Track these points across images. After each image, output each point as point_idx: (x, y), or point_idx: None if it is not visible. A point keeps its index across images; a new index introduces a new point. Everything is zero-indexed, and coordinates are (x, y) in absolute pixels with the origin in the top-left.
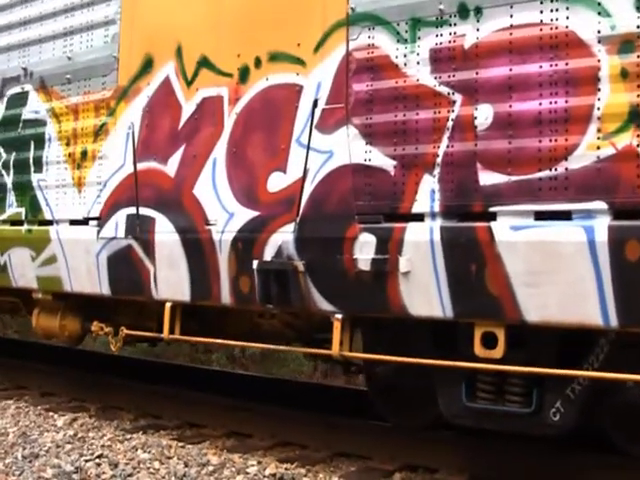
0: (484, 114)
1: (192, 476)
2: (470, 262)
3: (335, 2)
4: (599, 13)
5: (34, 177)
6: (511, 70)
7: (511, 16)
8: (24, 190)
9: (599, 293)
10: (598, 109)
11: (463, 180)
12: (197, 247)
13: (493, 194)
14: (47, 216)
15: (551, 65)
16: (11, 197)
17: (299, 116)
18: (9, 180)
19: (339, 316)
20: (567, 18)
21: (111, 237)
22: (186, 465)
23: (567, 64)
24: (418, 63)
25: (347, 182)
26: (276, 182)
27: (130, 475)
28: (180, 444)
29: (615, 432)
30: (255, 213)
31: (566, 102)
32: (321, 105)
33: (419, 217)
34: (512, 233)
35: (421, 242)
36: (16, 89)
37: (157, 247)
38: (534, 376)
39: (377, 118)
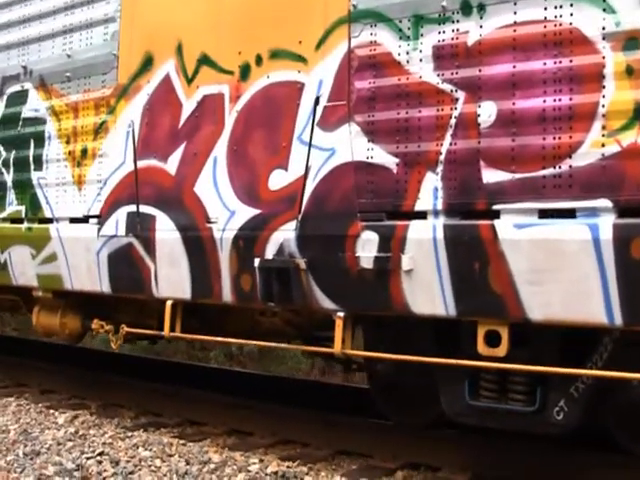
0: (487, 111)
1: (194, 474)
2: (473, 260)
3: None
4: (604, 10)
5: (34, 175)
6: (515, 67)
7: (515, 13)
8: (24, 188)
9: (604, 291)
10: (603, 106)
11: (466, 178)
12: (198, 245)
13: (496, 192)
14: (47, 214)
15: (555, 62)
16: (11, 195)
17: (301, 114)
18: (9, 178)
19: (341, 314)
20: (571, 15)
21: (111, 235)
22: (187, 463)
23: (571, 61)
24: (421, 60)
25: (349, 180)
26: (277, 180)
27: (131, 473)
28: (181, 442)
29: (619, 431)
30: (256, 211)
31: (570, 99)
32: (323, 102)
33: (422, 215)
34: (516, 231)
35: (424, 240)
36: (16, 87)
37: (158, 245)
38: (537, 374)
39: (379, 115)
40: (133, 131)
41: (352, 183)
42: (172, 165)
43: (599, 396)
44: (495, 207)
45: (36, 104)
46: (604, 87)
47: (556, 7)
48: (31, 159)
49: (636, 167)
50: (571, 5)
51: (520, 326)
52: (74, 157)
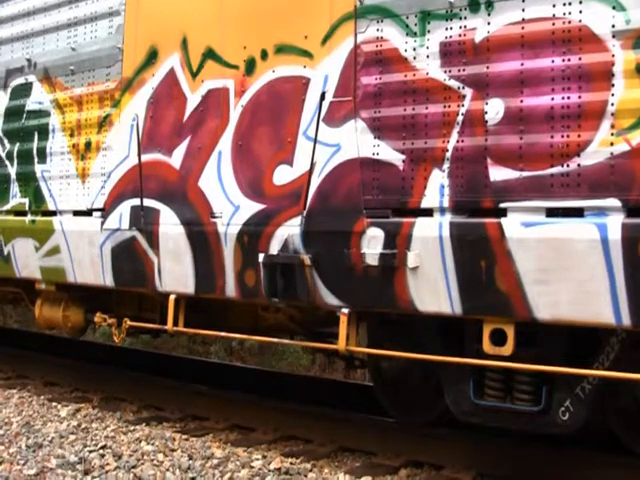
0: (495, 109)
1: (197, 469)
2: (480, 258)
3: None
4: (613, 7)
5: (38, 168)
6: (523, 65)
7: (523, 10)
8: (28, 181)
9: (612, 292)
10: (612, 105)
11: (473, 175)
12: (202, 239)
13: (504, 190)
14: (51, 207)
15: (564, 60)
16: (15, 188)
17: (306, 109)
18: (13, 171)
19: (345, 311)
20: (580, 12)
21: (115, 228)
22: (190, 458)
23: (580, 59)
24: (428, 57)
25: (355, 176)
26: (282, 175)
27: (134, 467)
28: (184, 437)
29: (624, 432)
30: (261, 206)
31: (579, 97)
32: (329, 98)
33: (428, 212)
34: (523, 229)
35: (430, 237)
36: (20, 80)
37: (161, 239)
38: (543, 374)
39: (386, 112)
40: (137, 125)
41: (358, 179)
42: (176, 159)
43: (605, 397)
44: (502, 205)
45: (40, 97)
46: (613, 85)
47: (565, 4)
48: (35, 152)
49: None
50: (580, 2)
51: (526, 325)
52: (78, 150)
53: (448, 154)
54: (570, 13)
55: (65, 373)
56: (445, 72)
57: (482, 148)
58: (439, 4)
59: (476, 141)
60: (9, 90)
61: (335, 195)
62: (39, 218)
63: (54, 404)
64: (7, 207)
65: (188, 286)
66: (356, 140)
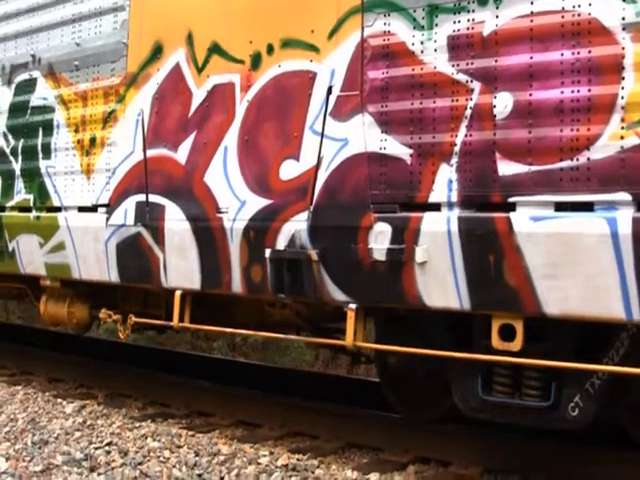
0: (503, 103)
1: (203, 465)
2: (488, 253)
3: None
4: None
5: (42, 164)
6: (532, 58)
7: (532, 3)
8: (32, 177)
9: (622, 286)
10: (622, 98)
11: (481, 170)
12: (208, 235)
13: (512, 184)
14: (55, 203)
15: (573, 53)
16: (19, 184)
17: (313, 103)
18: (17, 167)
19: (353, 306)
20: (590, 5)
21: (120, 224)
22: (197, 454)
23: (590, 52)
24: (435, 50)
25: (362, 171)
26: (289, 170)
27: (140, 463)
28: (190, 433)
29: (635, 428)
30: (268, 201)
31: (589, 91)
32: (335, 92)
33: (436, 207)
34: (532, 224)
35: (438, 232)
36: (24, 76)
37: (167, 235)
38: (552, 370)
39: (393, 106)
40: (142, 120)
41: (365, 174)
42: (182, 154)
43: (615, 392)
44: (511, 199)
45: (45, 92)
46: (623, 78)
47: None
48: (39, 147)
49: None
50: None
51: (535, 320)
52: (83, 146)
53: (456, 148)
54: (579, 6)
55: (70, 369)
56: (453, 66)
57: (490, 142)
58: None
59: (484, 135)
60: (13, 86)
61: (342, 190)
62: (44, 214)
63: (59, 400)
64: (12, 203)
65: (194, 282)
66: (363, 134)
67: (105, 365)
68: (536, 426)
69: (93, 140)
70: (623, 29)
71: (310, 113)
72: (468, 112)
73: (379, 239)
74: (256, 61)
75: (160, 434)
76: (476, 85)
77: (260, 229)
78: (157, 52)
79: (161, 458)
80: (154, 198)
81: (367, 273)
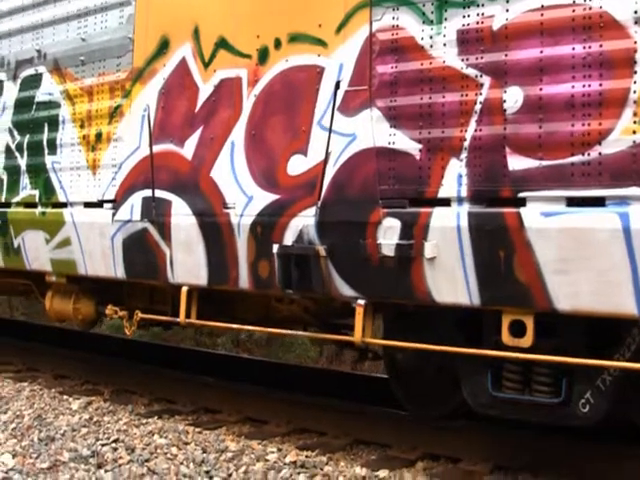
0: (514, 97)
1: (211, 462)
2: (498, 248)
3: None
4: None
5: (48, 159)
6: (542, 52)
7: None
8: (38, 172)
9: (634, 282)
10: (634, 92)
11: (491, 165)
12: (215, 231)
13: (523, 179)
14: (61, 198)
15: (584, 47)
16: (25, 179)
17: (320, 98)
18: (23, 162)
19: (362, 302)
20: None
21: (126, 220)
22: (204, 451)
23: (601, 46)
24: (444, 45)
25: (371, 166)
26: (297, 165)
27: (147, 460)
28: (197, 430)
29: None
30: (275, 196)
31: (600, 85)
32: (343, 87)
33: (445, 202)
34: (543, 219)
35: (448, 227)
36: (30, 71)
37: (173, 230)
38: (563, 366)
39: (402, 100)
40: (149, 115)
41: (374, 169)
42: (188, 150)
43: (626, 388)
44: (521, 195)
45: (50, 88)
46: (635, 72)
47: None
48: (45, 143)
49: None
50: None
51: (546, 316)
52: (88, 141)
53: (466, 143)
54: None
55: (75, 365)
56: (462, 60)
57: (501, 137)
58: None
59: (494, 130)
60: (19, 81)
61: (350, 185)
62: (49, 210)
63: (65, 397)
64: (17, 199)
65: (201, 277)
66: (372, 129)
67: (110, 361)
68: (547, 423)
69: (99, 135)
70: (635, 23)
71: (318, 108)
72: (478, 107)
73: (388, 234)
74: (263, 56)
75: (167, 431)
76: (486, 80)
77: (267, 224)
78: (163, 47)
79: (168, 455)
80: (160, 193)
81: (376, 269)
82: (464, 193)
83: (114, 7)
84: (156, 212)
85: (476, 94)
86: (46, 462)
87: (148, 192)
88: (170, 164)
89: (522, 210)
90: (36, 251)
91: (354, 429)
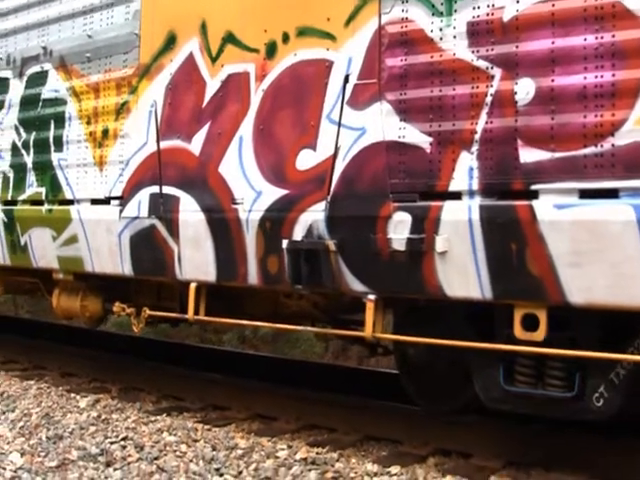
0: (525, 89)
1: (221, 460)
2: (511, 242)
3: None
4: None
5: (54, 156)
6: (554, 43)
7: None
8: (44, 170)
9: None
10: None
11: (503, 157)
12: (223, 226)
13: (535, 171)
14: (68, 196)
15: (597, 37)
16: (31, 177)
17: (329, 92)
18: (29, 160)
19: (372, 297)
20: None
21: (134, 217)
22: (214, 448)
23: (614, 36)
24: (454, 37)
25: (380, 160)
26: (306, 160)
27: (157, 458)
28: (206, 427)
29: None
30: (284, 191)
31: (613, 76)
32: (352, 81)
33: (457, 195)
34: (555, 212)
35: (459, 221)
36: (35, 68)
37: (181, 227)
38: (576, 360)
39: (412, 94)
40: (156, 111)
41: (383, 163)
42: (196, 145)
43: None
44: (533, 187)
45: (56, 85)
46: None
47: None
48: (51, 140)
49: None
50: None
51: (559, 310)
52: (95, 138)
53: (477, 136)
54: None
55: (82, 363)
56: (473, 52)
57: (512, 129)
58: None
59: (506, 122)
60: (25, 78)
61: (360, 179)
62: (56, 207)
63: (73, 395)
64: (24, 197)
65: (209, 274)
66: (381, 123)
67: (117, 359)
68: (559, 417)
69: (105, 132)
70: None
71: (327, 102)
72: (489, 99)
73: (398, 229)
74: (271, 50)
75: (176, 428)
76: (497, 71)
77: (276, 220)
78: (170, 42)
79: (178, 452)
80: (168, 190)
81: (386, 263)
82: (475, 186)
83: (120, 3)
84: (164, 208)
85: (487, 86)
86: (55, 461)
87: (155, 188)
88: (178, 160)
89: (534, 203)
90: (43, 249)
91: (364, 425)
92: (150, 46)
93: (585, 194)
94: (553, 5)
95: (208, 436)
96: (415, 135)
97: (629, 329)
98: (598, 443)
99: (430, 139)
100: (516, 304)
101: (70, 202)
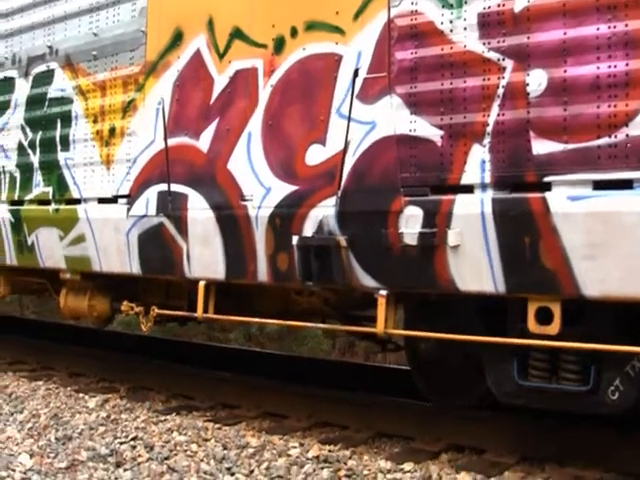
0: (537, 80)
1: (232, 459)
2: (524, 235)
3: None
4: None
5: (61, 156)
6: (565, 34)
7: None
8: (51, 169)
9: None
10: None
11: (515, 149)
12: (232, 224)
13: (548, 163)
14: (75, 195)
15: (609, 27)
16: (38, 176)
17: (339, 86)
18: (36, 159)
19: (384, 292)
20: None
21: (142, 215)
22: (225, 447)
23: (627, 25)
24: (465, 29)
25: (391, 154)
26: (315, 155)
27: (167, 458)
28: (216, 426)
29: None
30: (293, 187)
31: (626, 65)
32: (362, 75)
33: (468, 189)
34: (569, 204)
35: (471, 215)
36: (41, 67)
37: (190, 224)
38: (591, 353)
39: (422, 87)
40: (163, 108)
41: (394, 157)
42: (204, 142)
43: None
44: (546, 179)
45: (62, 84)
46: None
47: None
48: (58, 139)
49: None
50: None
51: (573, 303)
52: (102, 136)
53: (489, 128)
54: None
55: (90, 363)
56: (484, 44)
57: (524, 121)
58: None
59: (518, 114)
60: (30, 78)
61: (371, 174)
62: (63, 207)
63: (81, 395)
64: (30, 196)
65: (218, 272)
66: (392, 117)
67: (125, 358)
68: (574, 411)
69: (112, 130)
70: None
71: (336, 96)
72: (500, 91)
73: (410, 223)
74: (279, 45)
75: (186, 427)
76: (508, 63)
77: (286, 216)
78: (177, 39)
79: (188, 452)
80: (176, 187)
81: (398, 258)
82: (487, 179)
83: (126, 0)
84: (172, 206)
85: (498, 78)
86: (64, 462)
87: (164, 186)
88: (186, 157)
89: (547, 195)
90: (50, 249)
91: (376, 422)
92: (157, 43)
93: (599, 185)
94: None
95: (219, 435)
96: (426, 128)
97: None
98: (612, 437)
99: (441, 132)
100: (530, 297)
101: (77, 201)
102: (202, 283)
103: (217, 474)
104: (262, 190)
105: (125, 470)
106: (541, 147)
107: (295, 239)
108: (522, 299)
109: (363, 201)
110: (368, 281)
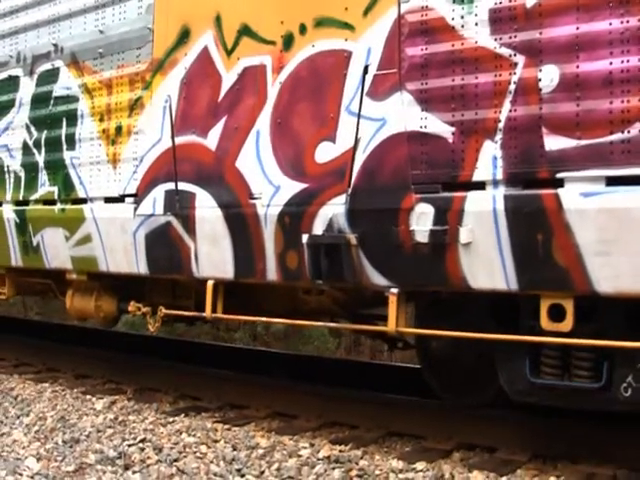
0: (549, 76)
1: (242, 460)
2: (536, 231)
3: None
4: None
5: (67, 155)
6: (578, 29)
7: None
8: (56, 168)
9: None
10: None
11: (527, 146)
12: (241, 222)
13: (560, 159)
14: (81, 194)
15: (622, 22)
16: (43, 176)
17: (348, 83)
18: (41, 159)
19: (395, 291)
20: None
21: (149, 214)
22: (234, 448)
23: None
24: (476, 24)
25: (402, 151)
26: (325, 152)
27: (176, 460)
28: (225, 427)
29: None
30: (303, 185)
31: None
32: (372, 71)
33: (480, 185)
34: (582, 200)
35: (483, 212)
36: (46, 66)
37: (198, 223)
38: (604, 350)
39: (433, 83)
40: (170, 106)
41: (405, 154)
42: (212, 140)
43: None
44: (559, 175)
45: (68, 82)
46: None
47: None
48: (63, 138)
49: None
50: None
51: (586, 299)
52: (108, 135)
53: (500, 124)
54: None
55: (96, 364)
56: (495, 40)
57: (536, 117)
58: None
59: (530, 110)
60: (35, 76)
61: (381, 171)
62: (69, 206)
63: (88, 397)
64: (35, 196)
65: (227, 271)
66: (402, 113)
67: (131, 359)
68: (586, 408)
69: (119, 129)
70: None
71: (346, 93)
72: (512, 87)
73: (421, 221)
74: (288, 42)
75: (195, 429)
76: (520, 59)
77: (296, 214)
78: (184, 36)
79: (197, 454)
80: (184, 186)
81: (409, 256)
82: (499, 176)
83: None
84: (180, 205)
85: (510, 74)
86: (72, 465)
87: (171, 185)
88: (193, 155)
89: (560, 191)
90: (55, 249)
91: (386, 421)
92: (164, 40)
93: (612, 181)
94: None
95: (228, 436)
96: (437, 125)
97: None
98: (625, 434)
99: (452, 129)
100: (542, 294)
101: (83, 201)
102: (210, 282)
103: (227, 475)
104: (271, 188)
105: (134, 473)
106: (553, 143)
107: (305, 237)
108: (534, 296)
109: (373, 199)
110: (379, 279)
